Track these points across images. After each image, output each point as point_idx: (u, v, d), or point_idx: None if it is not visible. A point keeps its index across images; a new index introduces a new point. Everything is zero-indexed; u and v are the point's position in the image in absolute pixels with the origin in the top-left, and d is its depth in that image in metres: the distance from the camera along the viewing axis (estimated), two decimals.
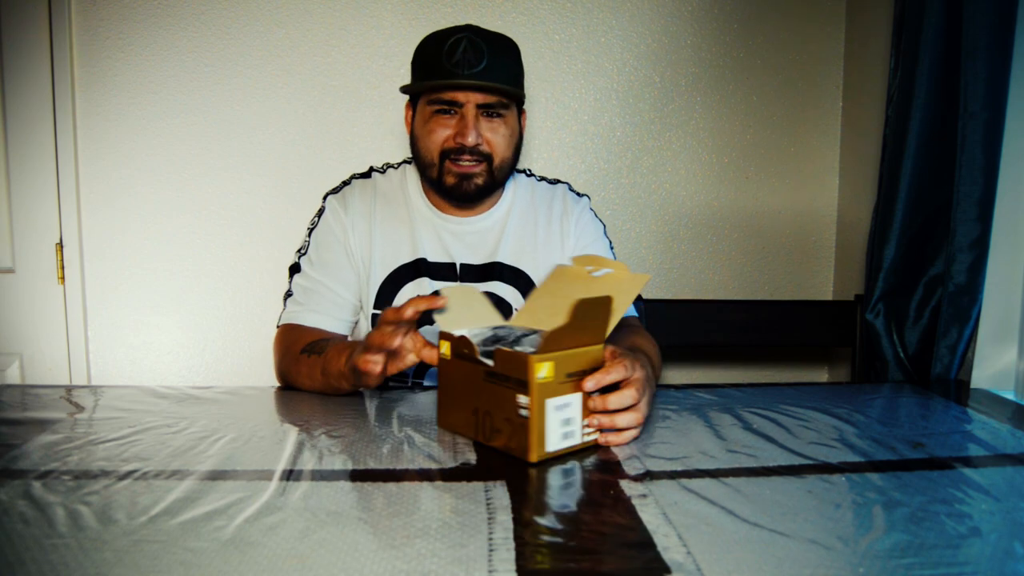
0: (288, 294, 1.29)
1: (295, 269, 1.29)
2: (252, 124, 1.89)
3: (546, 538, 0.68)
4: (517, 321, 1.04)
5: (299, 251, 1.30)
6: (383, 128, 1.91)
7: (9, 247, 1.87)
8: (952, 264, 1.35)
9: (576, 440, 0.88)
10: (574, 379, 0.86)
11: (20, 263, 1.87)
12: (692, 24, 1.96)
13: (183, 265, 1.91)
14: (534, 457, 0.84)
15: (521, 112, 1.28)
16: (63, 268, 1.87)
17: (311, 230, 1.31)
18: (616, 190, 1.99)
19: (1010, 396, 1.28)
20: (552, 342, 0.83)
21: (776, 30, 1.98)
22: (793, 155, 2.03)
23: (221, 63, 1.86)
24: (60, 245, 1.87)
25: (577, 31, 1.93)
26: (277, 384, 1.24)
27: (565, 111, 1.95)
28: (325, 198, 1.32)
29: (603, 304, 0.87)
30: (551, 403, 0.84)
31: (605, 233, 1.39)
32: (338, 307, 1.26)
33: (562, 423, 0.86)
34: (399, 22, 1.89)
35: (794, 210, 2.04)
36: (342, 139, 1.91)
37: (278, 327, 1.27)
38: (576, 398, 0.87)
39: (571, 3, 1.92)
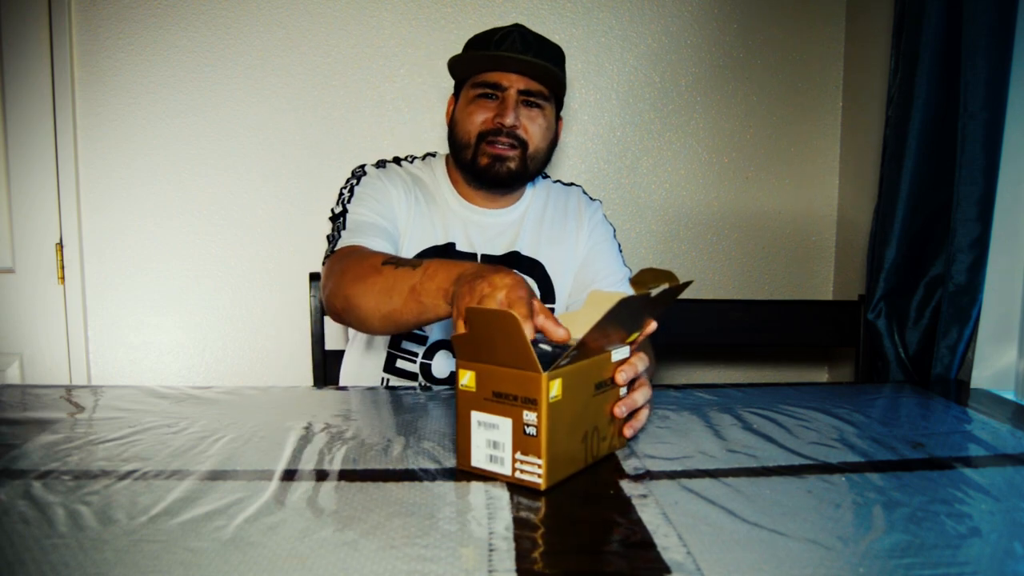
0: (336, 231, 1.18)
1: (340, 215, 1.20)
2: (252, 124, 1.89)
3: (546, 538, 0.68)
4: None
5: (340, 201, 1.23)
6: (383, 128, 1.91)
7: (9, 247, 1.87)
8: (952, 264, 1.35)
9: None
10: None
11: (20, 263, 1.87)
12: (692, 24, 1.95)
13: (183, 265, 1.91)
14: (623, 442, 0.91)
15: (559, 118, 1.32)
16: (63, 268, 1.87)
17: (353, 186, 1.24)
18: (616, 190, 1.99)
19: (1010, 396, 1.28)
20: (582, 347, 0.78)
21: (776, 30, 1.98)
22: (793, 155, 2.02)
23: (221, 63, 1.86)
24: (60, 245, 1.86)
25: (577, 31, 1.93)
26: (329, 312, 1.11)
27: (565, 111, 1.95)
28: (361, 167, 1.28)
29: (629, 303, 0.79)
30: None
31: (615, 236, 1.41)
32: (394, 246, 1.20)
33: None
34: (399, 22, 1.89)
35: (794, 210, 2.04)
36: (342, 139, 1.90)
37: (329, 256, 1.15)
38: None
39: (571, 3, 1.92)
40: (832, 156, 2.03)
